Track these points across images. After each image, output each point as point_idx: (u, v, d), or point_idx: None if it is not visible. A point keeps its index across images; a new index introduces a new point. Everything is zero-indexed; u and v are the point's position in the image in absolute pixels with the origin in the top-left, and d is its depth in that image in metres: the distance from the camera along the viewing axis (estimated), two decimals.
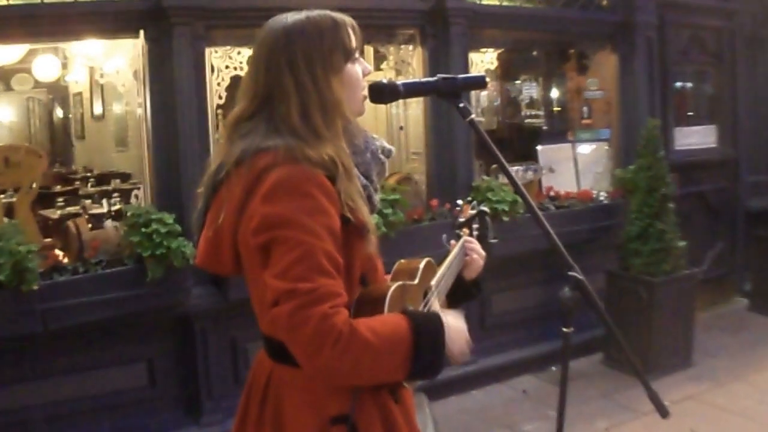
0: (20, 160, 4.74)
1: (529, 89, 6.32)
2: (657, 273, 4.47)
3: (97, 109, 8.23)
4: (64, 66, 7.46)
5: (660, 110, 5.28)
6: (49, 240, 4.42)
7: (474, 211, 2.02)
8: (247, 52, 3.84)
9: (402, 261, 1.66)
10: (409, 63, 4.47)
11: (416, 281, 1.57)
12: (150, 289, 3.35)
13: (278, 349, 1.40)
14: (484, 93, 5.64)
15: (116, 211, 5.04)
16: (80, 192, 6.78)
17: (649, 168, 4.56)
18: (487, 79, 1.79)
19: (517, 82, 6.40)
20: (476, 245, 1.90)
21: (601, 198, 4.98)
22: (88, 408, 3.47)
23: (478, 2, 4.54)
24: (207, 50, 3.73)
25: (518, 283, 4.69)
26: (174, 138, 3.59)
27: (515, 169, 4.86)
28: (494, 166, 4.67)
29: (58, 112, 9.72)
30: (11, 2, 3.34)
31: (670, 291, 4.52)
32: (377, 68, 4.74)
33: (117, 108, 7.56)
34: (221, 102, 3.88)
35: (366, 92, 1.55)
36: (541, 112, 6.27)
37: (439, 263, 1.75)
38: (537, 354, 4.61)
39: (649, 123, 4.72)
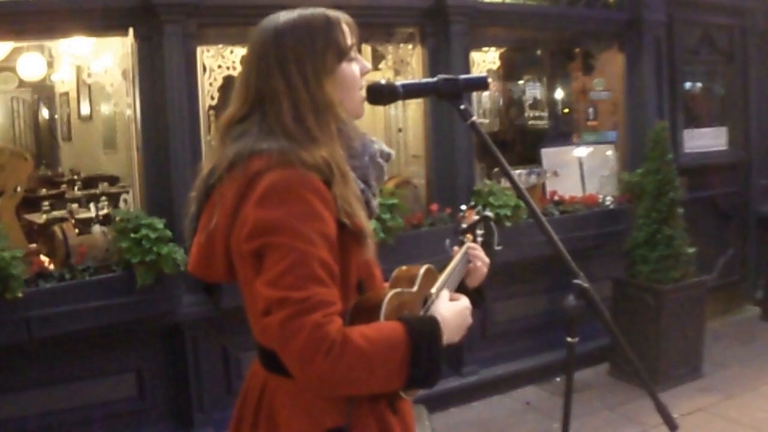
0: (4, 162, 4.72)
1: (532, 90, 6.31)
2: (665, 280, 4.44)
3: (85, 110, 8.15)
4: (50, 65, 7.32)
5: (668, 111, 5.24)
6: (34, 245, 4.36)
7: (478, 217, 1.99)
8: (240, 51, 3.83)
9: (402, 268, 1.63)
10: (408, 63, 4.46)
11: (415, 288, 1.55)
12: (139, 297, 3.35)
13: (272, 359, 1.39)
14: (486, 94, 5.59)
15: (104, 216, 4.98)
16: (67, 196, 6.67)
17: (657, 171, 4.53)
18: (489, 80, 1.79)
19: (521, 82, 6.40)
20: (480, 252, 1.87)
21: (607, 203, 4.95)
22: (74, 420, 3.44)
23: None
24: (198, 49, 3.71)
25: (521, 291, 4.68)
26: (164, 140, 3.57)
27: (518, 173, 4.86)
28: (496, 169, 4.66)
29: (44, 113, 9.61)
30: None
31: (679, 299, 4.49)
32: (375, 68, 4.74)
33: (105, 108, 7.48)
34: (214, 103, 3.86)
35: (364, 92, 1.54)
36: (545, 114, 6.28)
37: (441, 270, 1.71)
38: (541, 364, 4.59)
39: (657, 125, 4.70)
